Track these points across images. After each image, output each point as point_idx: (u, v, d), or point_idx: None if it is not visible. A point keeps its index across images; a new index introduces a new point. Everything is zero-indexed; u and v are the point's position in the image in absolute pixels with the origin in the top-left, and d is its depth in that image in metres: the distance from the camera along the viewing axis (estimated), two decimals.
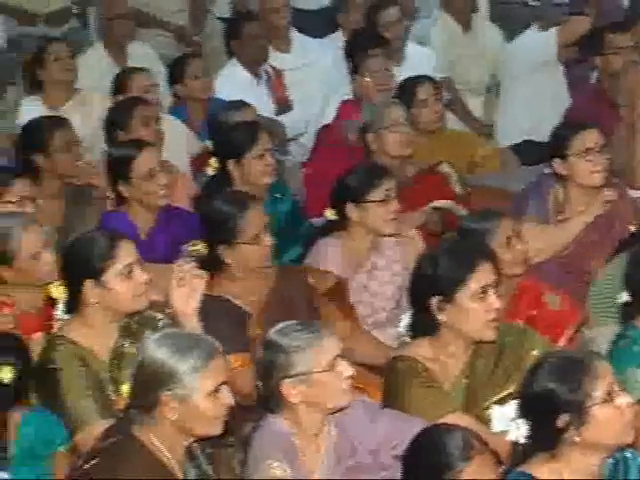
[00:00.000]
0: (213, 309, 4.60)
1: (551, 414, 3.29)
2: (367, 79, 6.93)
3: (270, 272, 4.93)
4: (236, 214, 4.80)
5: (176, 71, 7.10)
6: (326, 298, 4.95)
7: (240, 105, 6.48)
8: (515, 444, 3.39)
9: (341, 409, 3.82)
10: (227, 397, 3.58)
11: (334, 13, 8.08)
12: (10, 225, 4.79)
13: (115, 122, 6.23)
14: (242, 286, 4.83)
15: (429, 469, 3.24)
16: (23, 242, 4.72)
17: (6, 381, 4.09)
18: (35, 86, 7.03)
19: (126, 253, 4.27)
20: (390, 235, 5.44)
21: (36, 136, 5.91)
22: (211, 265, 4.73)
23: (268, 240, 4.83)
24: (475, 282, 4.07)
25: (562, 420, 3.28)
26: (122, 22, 7.52)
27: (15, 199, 5.18)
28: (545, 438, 3.33)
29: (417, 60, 7.89)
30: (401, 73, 7.36)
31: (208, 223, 4.98)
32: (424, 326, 4.19)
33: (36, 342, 4.45)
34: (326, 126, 7.06)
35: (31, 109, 6.70)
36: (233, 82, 7.18)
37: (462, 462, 3.20)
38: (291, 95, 7.54)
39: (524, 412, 3.38)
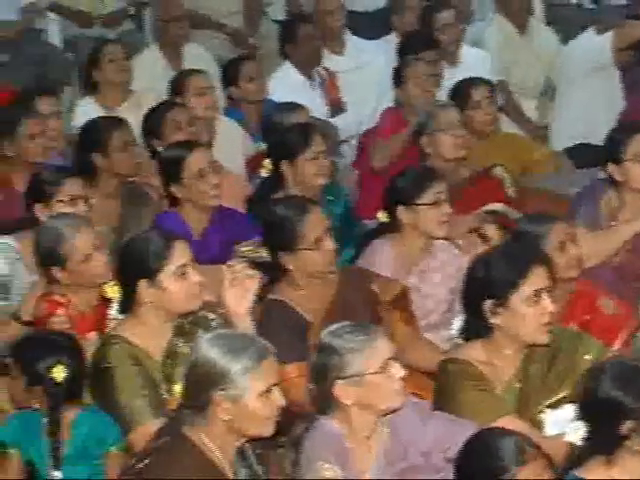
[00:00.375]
0: (273, 315, 4.62)
1: (614, 420, 3.30)
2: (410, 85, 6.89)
3: (332, 278, 4.87)
4: (295, 219, 4.74)
5: (230, 73, 7.12)
6: (390, 305, 4.91)
7: (294, 107, 6.49)
8: (572, 446, 3.38)
9: (393, 411, 3.80)
10: (278, 398, 3.58)
11: (388, 15, 8.06)
12: (63, 226, 4.80)
13: (149, 130, 6.27)
14: (304, 293, 4.78)
15: (482, 473, 3.22)
16: (76, 243, 4.72)
17: (59, 380, 4.12)
18: (91, 87, 7.06)
19: (180, 253, 4.28)
20: (442, 238, 5.41)
21: (95, 136, 5.94)
22: (272, 271, 4.72)
23: (330, 244, 4.76)
24: (529, 286, 4.04)
25: (626, 427, 3.27)
26: (177, 24, 7.55)
27: (66, 198, 5.19)
28: (605, 443, 3.32)
29: (472, 62, 7.86)
30: (456, 75, 7.33)
31: (267, 229, 4.93)
32: (477, 329, 4.16)
33: (90, 342, 4.46)
34: (370, 131, 7.05)
35: (87, 110, 6.74)
36: (287, 84, 7.19)
37: (516, 466, 3.17)
38: (344, 97, 7.53)
39: (584, 416, 3.38)
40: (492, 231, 5.58)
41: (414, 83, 6.87)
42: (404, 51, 7.29)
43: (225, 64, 7.36)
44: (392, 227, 5.38)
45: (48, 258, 4.75)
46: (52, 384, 4.13)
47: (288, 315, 4.75)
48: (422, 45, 7.29)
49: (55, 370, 4.12)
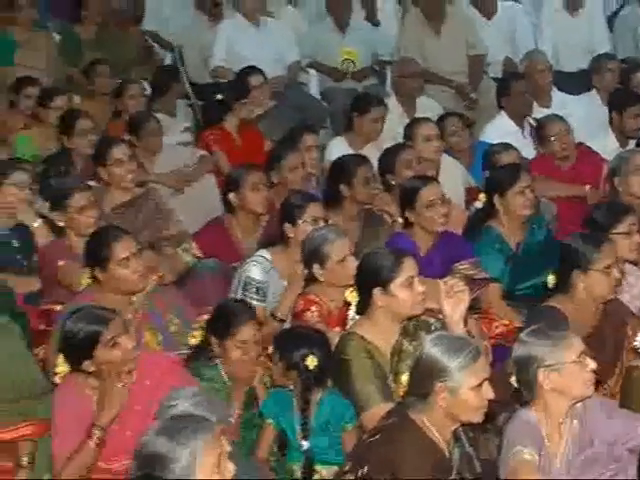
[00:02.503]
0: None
1: None
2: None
3: (598, 309, 4.62)
4: (594, 248, 4.55)
5: (440, 128, 7.05)
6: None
7: (506, 148, 6.41)
8: None
9: (583, 399, 3.71)
10: (488, 392, 3.55)
11: (589, 75, 7.91)
12: (327, 232, 4.89)
13: (385, 167, 6.21)
14: (579, 314, 4.53)
15: None
16: (336, 245, 4.78)
17: (311, 368, 4.18)
18: (346, 129, 7.11)
19: (409, 267, 4.28)
20: (633, 262, 5.23)
21: (343, 170, 5.96)
22: (560, 288, 4.60)
23: (615, 272, 4.55)
24: None
25: None
26: (413, 79, 7.55)
27: (310, 219, 5.22)
28: None
29: None
30: None
31: (563, 253, 4.69)
32: None
33: (334, 336, 4.49)
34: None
35: (338, 148, 6.79)
36: (501, 130, 7.12)
37: None
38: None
39: None
40: None
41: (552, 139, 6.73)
42: (612, 104, 7.13)
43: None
44: None
45: (312, 256, 4.81)
46: (305, 370, 4.20)
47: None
48: (628, 100, 7.10)
49: (308, 359, 4.19)
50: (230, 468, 3.04)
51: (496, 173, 5.86)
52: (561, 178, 6.60)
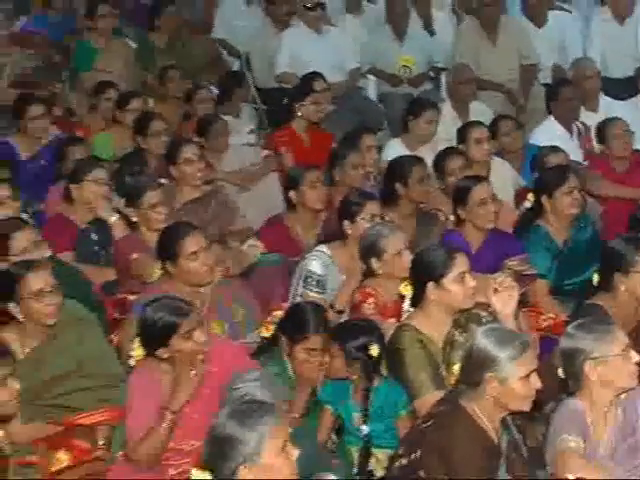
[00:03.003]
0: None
1: None
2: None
3: None
4: (635, 250, 4.47)
5: (493, 129, 7.00)
6: None
7: (555, 150, 6.35)
8: None
9: (627, 390, 3.68)
10: (536, 382, 3.54)
11: (635, 81, 7.82)
12: (383, 227, 4.92)
13: (437, 168, 6.21)
14: (621, 312, 4.42)
15: None
16: (391, 240, 4.79)
17: (375, 355, 4.18)
18: (402, 131, 7.09)
19: (461, 263, 4.28)
20: None
21: (399, 170, 5.94)
22: (602, 287, 4.54)
23: None
24: None
25: None
26: (467, 85, 7.52)
27: (367, 216, 5.20)
28: None
29: None
30: None
31: (605, 255, 4.65)
32: None
33: (389, 327, 4.49)
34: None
35: (394, 149, 6.78)
36: (550, 134, 7.05)
37: None
38: (596, 145, 7.32)
39: None
40: None
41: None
42: None
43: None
44: None
45: (370, 250, 4.81)
46: (368, 359, 4.19)
47: None
48: None
49: (371, 348, 4.19)
50: (294, 452, 3.07)
51: (544, 174, 5.82)
52: (615, 180, 6.53)
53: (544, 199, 5.55)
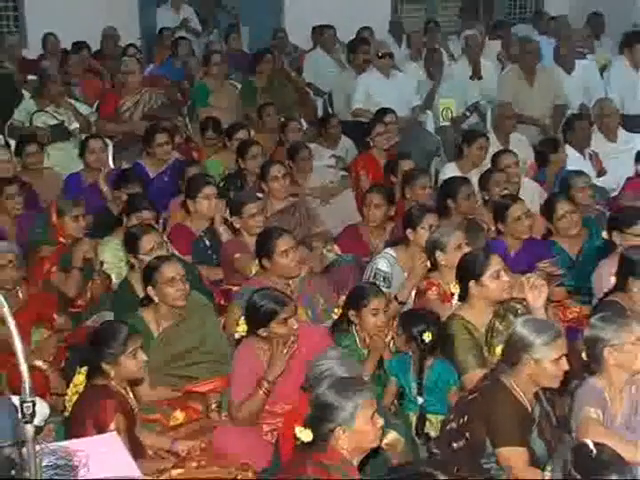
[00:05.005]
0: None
1: None
2: None
3: None
4: None
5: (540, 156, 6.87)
6: None
7: (580, 174, 6.19)
8: None
9: None
10: (564, 364, 3.49)
11: None
12: (445, 229, 4.92)
13: (481, 186, 6.09)
14: (635, 309, 4.28)
15: None
16: (451, 241, 4.72)
17: (427, 341, 4.15)
18: (457, 157, 6.97)
19: (495, 263, 4.24)
20: None
21: (449, 188, 5.89)
22: (619, 288, 4.43)
23: None
24: None
25: None
26: (508, 120, 7.41)
27: (426, 227, 5.10)
28: None
29: None
30: None
31: (621, 261, 4.48)
32: None
33: (449, 309, 4.45)
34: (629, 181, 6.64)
35: (450, 171, 6.69)
36: (569, 158, 6.92)
37: None
38: (606, 166, 7.16)
39: None
40: None
41: None
42: None
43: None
44: None
45: (435, 245, 4.77)
46: (422, 342, 4.17)
47: None
48: None
49: (425, 334, 4.16)
50: (380, 422, 3.10)
51: (545, 204, 5.68)
52: None
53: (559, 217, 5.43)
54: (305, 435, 3.05)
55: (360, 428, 3.05)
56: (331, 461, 3.00)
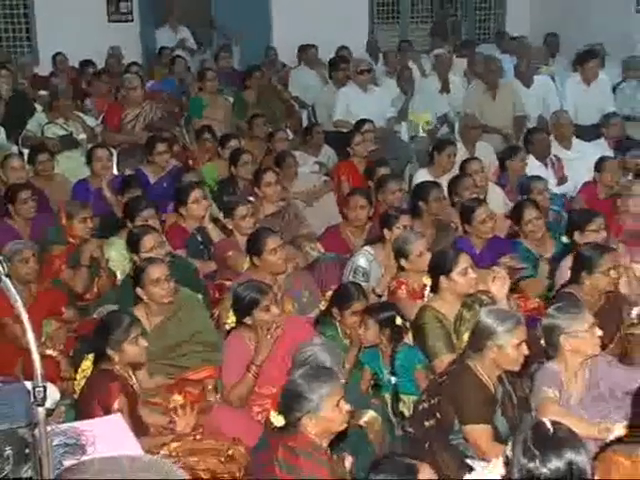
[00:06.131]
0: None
1: None
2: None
3: (602, 296, 4.39)
4: (599, 255, 4.33)
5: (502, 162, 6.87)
6: None
7: (538, 178, 6.19)
8: None
9: (593, 356, 3.61)
10: (525, 349, 3.50)
11: (600, 128, 7.66)
12: (410, 234, 4.85)
13: (450, 190, 6.05)
14: (587, 299, 4.29)
15: None
16: (415, 245, 4.71)
17: (398, 324, 4.18)
18: (429, 164, 6.89)
19: (464, 261, 4.24)
20: None
21: (422, 191, 5.84)
22: (574, 282, 4.42)
23: (612, 273, 4.31)
24: None
25: None
26: (475, 130, 7.38)
27: (401, 227, 5.14)
28: None
29: None
30: None
31: (576, 257, 4.49)
32: None
33: (417, 306, 4.44)
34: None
35: (422, 177, 6.63)
36: (530, 167, 6.90)
37: None
38: (569, 174, 7.17)
39: None
40: None
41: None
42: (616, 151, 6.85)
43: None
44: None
45: (399, 252, 4.74)
46: (393, 326, 4.17)
47: None
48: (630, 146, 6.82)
49: (396, 319, 4.16)
50: (346, 407, 3.06)
51: (513, 209, 5.64)
52: (597, 204, 6.30)
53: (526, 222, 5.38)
54: (278, 420, 3.03)
55: (327, 415, 3.00)
56: (301, 446, 2.97)
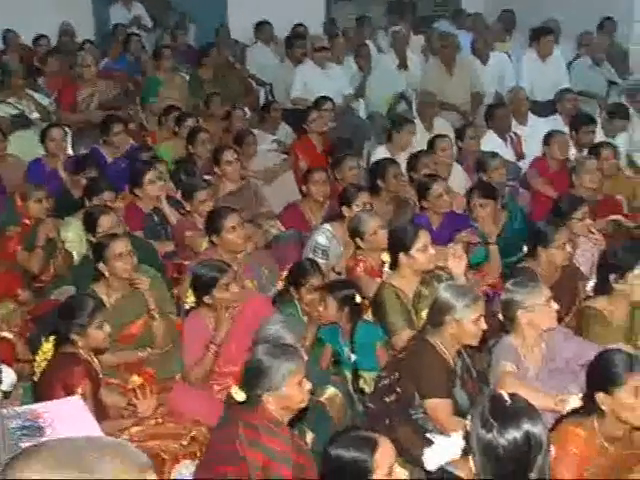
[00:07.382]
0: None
1: None
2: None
3: (558, 270, 4.48)
4: (554, 230, 4.42)
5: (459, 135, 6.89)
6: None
7: (493, 155, 6.21)
8: None
9: (549, 329, 3.64)
10: (483, 323, 3.52)
11: (555, 104, 7.71)
12: (364, 214, 4.80)
13: (410, 166, 6.02)
14: (544, 273, 4.36)
15: (605, 376, 2.93)
16: (370, 224, 4.66)
17: (358, 302, 4.18)
18: (387, 141, 6.88)
19: (423, 237, 4.24)
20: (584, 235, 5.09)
21: (380, 169, 5.85)
22: (530, 255, 4.48)
23: (568, 247, 4.43)
24: None
25: None
26: (431, 106, 7.40)
27: (360, 204, 5.14)
28: None
29: None
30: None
31: (532, 233, 4.56)
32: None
33: (375, 284, 4.46)
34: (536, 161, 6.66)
35: (380, 154, 6.65)
36: (490, 143, 6.92)
37: (625, 372, 2.90)
38: (525, 149, 7.23)
39: None
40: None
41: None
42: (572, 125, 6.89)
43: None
44: None
45: (354, 232, 4.74)
46: (353, 304, 4.18)
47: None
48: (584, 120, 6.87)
49: (356, 297, 4.17)
50: (307, 385, 3.05)
51: (474, 187, 5.59)
52: (549, 176, 6.36)
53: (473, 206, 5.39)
54: (239, 396, 3.01)
55: (288, 393, 2.99)
56: (261, 422, 2.96)
